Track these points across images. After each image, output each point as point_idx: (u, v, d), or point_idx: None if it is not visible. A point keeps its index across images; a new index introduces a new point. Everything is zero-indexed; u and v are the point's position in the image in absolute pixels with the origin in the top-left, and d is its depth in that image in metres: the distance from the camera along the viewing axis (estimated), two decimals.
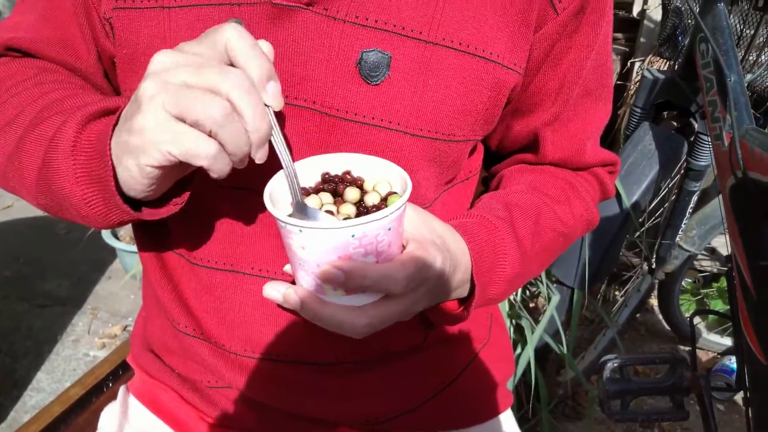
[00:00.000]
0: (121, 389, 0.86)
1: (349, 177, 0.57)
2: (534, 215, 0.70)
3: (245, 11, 0.59)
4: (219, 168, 0.49)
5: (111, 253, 2.65)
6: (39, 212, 2.86)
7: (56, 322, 2.34)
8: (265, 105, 0.49)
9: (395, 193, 0.55)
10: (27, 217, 2.93)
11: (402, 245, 0.55)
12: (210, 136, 0.47)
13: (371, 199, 0.55)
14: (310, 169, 0.58)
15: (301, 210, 0.53)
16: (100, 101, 0.57)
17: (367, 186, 0.57)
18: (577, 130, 0.75)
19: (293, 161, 0.53)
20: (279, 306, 0.68)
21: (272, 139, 0.51)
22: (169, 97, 0.46)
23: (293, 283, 0.56)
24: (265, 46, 0.50)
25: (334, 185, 0.57)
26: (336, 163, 0.59)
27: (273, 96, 0.49)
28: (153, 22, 0.61)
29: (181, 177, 0.56)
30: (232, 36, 0.48)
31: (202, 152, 0.47)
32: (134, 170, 0.50)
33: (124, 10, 0.61)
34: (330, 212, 0.54)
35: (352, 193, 0.56)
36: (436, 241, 0.56)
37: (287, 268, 0.58)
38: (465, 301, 0.65)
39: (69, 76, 0.67)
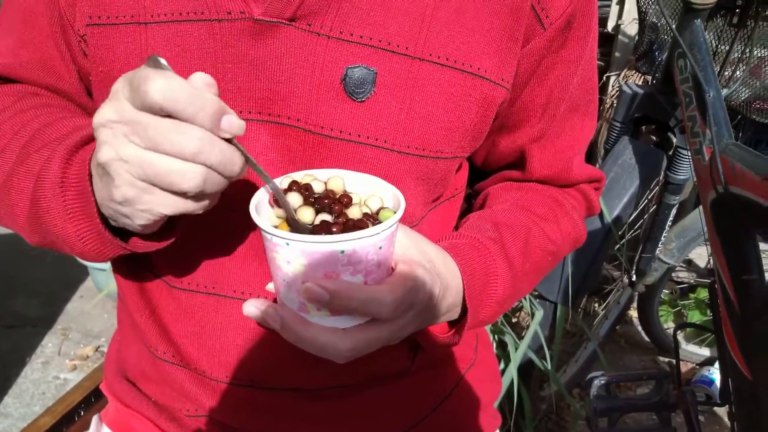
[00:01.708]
0: (94, 419, 0.83)
1: (332, 194, 0.55)
2: (524, 235, 0.69)
3: (226, 27, 0.58)
4: (214, 203, 0.50)
5: (83, 271, 2.58)
6: (7, 229, 2.78)
7: (25, 343, 2.27)
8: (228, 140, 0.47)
9: (388, 208, 0.53)
10: None
11: (391, 267, 0.53)
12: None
13: (360, 215, 0.52)
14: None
15: (293, 225, 0.51)
16: (81, 128, 0.55)
17: (355, 201, 0.54)
18: (563, 146, 0.74)
19: (274, 179, 0.52)
20: (261, 330, 0.66)
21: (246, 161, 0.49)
22: (135, 168, 0.45)
23: (276, 302, 0.53)
24: (198, 78, 0.46)
25: (322, 206, 0.55)
26: (325, 178, 0.56)
27: (231, 130, 0.46)
28: (129, 39, 0.59)
29: None
30: (159, 93, 0.43)
31: (196, 208, 0.48)
32: (134, 227, 0.51)
33: (98, 26, 0.59)
34: (324, 222, 0.51)
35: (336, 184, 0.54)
36: (425, 264, 0.55)
37: (270, 286, 0.55)
38: (455, 324, 0.64)
39: (50, 98, 0.65)
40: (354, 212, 0.52)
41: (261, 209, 0.52)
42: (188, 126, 0.44)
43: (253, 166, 0.50)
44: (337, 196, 0.53)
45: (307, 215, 0.52)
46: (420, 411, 0.78)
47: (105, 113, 0.45)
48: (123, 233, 0.54)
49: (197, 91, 0.44)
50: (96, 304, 2.47)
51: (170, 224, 0.56)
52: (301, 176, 0.56)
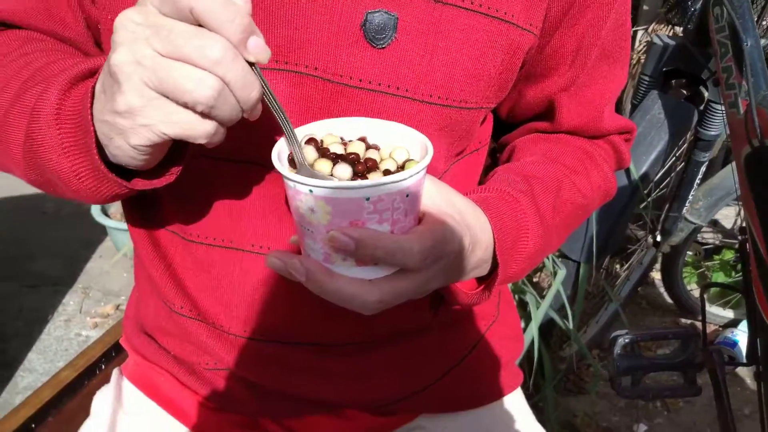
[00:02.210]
0: (115, 372, 0.83)
1: (365, 144, 0.53)
2: (555, 188, 0.66)
3: None
4: (216, 140, 0.46)
5: (101, 231, 2.60)
6: (25, 191, 2.81)
7: (47, 302, 2.30)
8: (251, 63, 0.44)
9: (413, 160, 0.51)
10: (13, 196, 2.87)
11: (419, 218, 0.51)
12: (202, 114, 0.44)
13: (386, 167, 0.51)
14: (322, 134, 0.54)
15: (303, 171, 0.49)
16: (81, 62, 0.52)
17: (383, 153, 0.53)
18: (594, 95, 0.71)
19: (293, 126, 0.49)
20: (280, 285, 0.65)
21: (265, 97, 0.46)
22: (148, 72, 0.42)
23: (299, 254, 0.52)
24: None
25: (348, 161, 0.52)
26: (350, 127, 0.55)
27: (257, 52, 0.43)
28: None
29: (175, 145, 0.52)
30: None
31: (200, 133, 0.44)
32: (126, 149, 0.46)
33: None
34: (335, 155, 0.50)
35: (359, 146, 0.52)
36: (455, 215, 0.53)
37: (294, 239, 0.54)
38: (484, 280, 0.62)
39: (56, 44, 0.63)
40: (382, 165, 0.51)
41: (282, 158, 0.50)
42: (214, 34, 0.41)
43: (273, 105, 0.47)
44: (361, 159, 0.51)
45: (324, 168, 0.50)
46: (441, 367, 0.78)
47: (128, 14, 0.42)
48: (122, 173, 0.52)
49: (230, 3, 0.41)
50: (115, 263, 2.49)
51: (166, 163, 0.53)
52: (322, 131, 0.54)
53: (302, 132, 0.53)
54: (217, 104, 0.42)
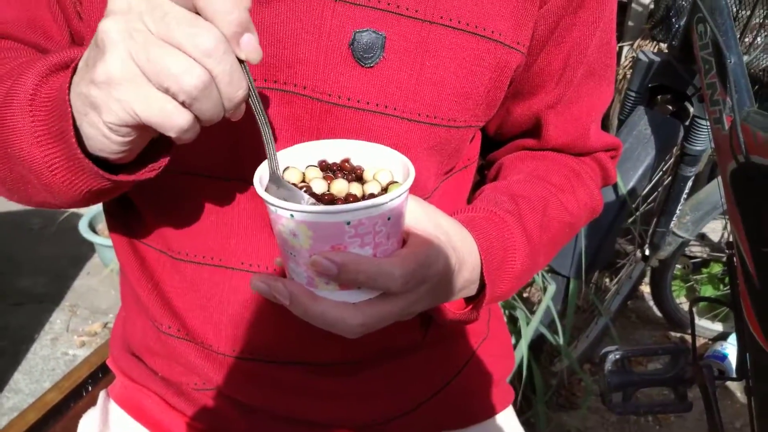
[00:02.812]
0: (101, 394, 0.82)
1: (348, 165, 0.53)
2: (541, 207, 0.67)
3: None
4: (187, 138, 0.44)
5: (89, 248, 2.58)
6: (11, 207, 2.78)
7: (33, 320, 2.27)
8: (241, 61, 0.43)
9: (397, 182, 0.51)
10: None
11: (403, 240, 0.51)
12: (182, 104, 0.42)
13: (370, 189, 0.50)
14: (306, 156, 0.54)
15: (276, 182, 0.49)
16: (63, 52, 0.50)
17: (366, 175, 0.52)
18: (580, 112, 0.72)
19: (275, 145, 0.49)
20: (269, 303, 0.64)
21: (250, 99, 0.46)
22: (136, 46, 0.40)
23: (284, 276, 0.51)
24: None
25: (331, 174, 0.52)
26: (334, 149, 0.54)
27: (249, 50, 0.42)
28: None
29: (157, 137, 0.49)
30: None
31: (175, 124, 0.42)
32: (100, 127, 0.43)
33: None
34: (313, 194, 0.49)
35: (342, 184, 0.51)
36: (440, 236, 0.53)
37: (279, 261, 0.54)
38: (472, 300, 0.61)
39: (33, 54, 0.61)
40: (365, 187, 0.51)
41: (264, 182, 0.50)
42: (208, 24, 0.40)
43: (256, 108, 0.46)
44: (343, 196, 0.50)
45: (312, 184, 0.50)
46: (432, 386, 0.77)
47: None
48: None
49: None
50: (103, 280, 2.47)
51: (149, 161, 0.51)
52: (305, 154, 0.53)
53: (285, 155, 0.53)
54: (200, 97, 0.41)
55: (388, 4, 0.56)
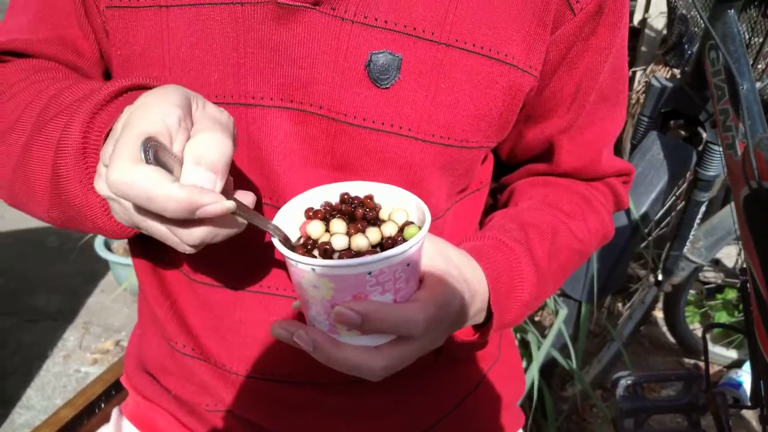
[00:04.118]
0: (114, 411, 0.82)
1: (369, 201, 0.54)
2: (550, 235, 0.67)
3: (248, 11, 0.56)
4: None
5: (104, 266, 2.60)
6: (29, 225, 2.82)
7: (46, 337, 2.29)
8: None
9: (412, 223, 0.52)
10: (16, 230, 2.88)
11: (419, 279, 0.52)
12: None
13: (388, 230, 0.51)
14: (325, 196, 0.55)
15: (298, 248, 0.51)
16: (97, 90, 0.53)
17: (383, 214, 0.53)
18: (593, 137, 0.72)
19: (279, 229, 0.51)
20: None
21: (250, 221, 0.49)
22: (125, 215, 0.47)
23: (301, 319, 0.53)
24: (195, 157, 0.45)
25: (352, 207, 0.53)
26: (351, 189, 0.56)
27: (208, 214, 0.43)
28: (150, 23, 0.58)
29: None
30: (117, 187, 0.42)
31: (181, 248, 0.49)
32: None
33: (118, 9, 0.58)
34: (326, 248, 0.49)
35: (362, 240, 0.52)
36: (453, 272, 0.54)
37: (296, 304, 0.55)
38: (481, 327, 0.62)
39: (66, 72, 0.64)
40: (383, 228, 0.51)
41: (283, 228, 0.51)
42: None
43: (252, 222, 0.49)
44: (369, 206, 0.53)
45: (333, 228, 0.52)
46: (442, 408, 0.77)
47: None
48: None
49: (162, 193, 0.41)
50: (116, 298, 2.48)
51: None
52: (319, 198, 0.55)
53: (300, 202, 0.54)
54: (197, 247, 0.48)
55: (405, 27, 0.57)
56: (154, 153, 0.41)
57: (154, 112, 0.44)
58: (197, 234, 0.46)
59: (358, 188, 0.55)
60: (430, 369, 0.73)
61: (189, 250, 0.48)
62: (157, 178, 0.41)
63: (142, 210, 0.44)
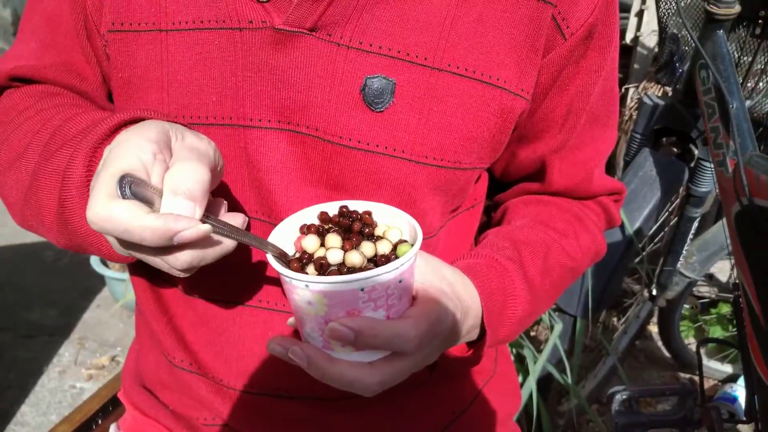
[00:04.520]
0: (112, 427, 0.83)
1: (368, 217, 0.55)
2: (543, 253, 0.68)
3: (247, 36, 0.58)
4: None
5: (100, 281, 2.59)
6: (25, 239, 2.81)
7: (42, 353, 2.28)
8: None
9: (405, 241, 0.53)
10: (12, 245, 2.87)
11: (412, 296, 0.53)
12: None
13: (382, 248, 0.52)
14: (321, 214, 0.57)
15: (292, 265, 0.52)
16: (100, 122, 0.54)
17: (377, 232, 0.55)
18: (584, 157, 0.73)
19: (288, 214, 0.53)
20: None
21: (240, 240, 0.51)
22: (118, 246, 0.49)
23: (298, 336, 0.53)
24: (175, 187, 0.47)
25: (350, 221, 0.55)
26: (348, 207, 0.57)
27: (184, 240, 0.45)
28: (149, 46, 0.59)
29: None
30: (98, 223, 0.45)
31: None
32: None
33: (119, 33, 0.60)
34: (321, 263, 0.51)
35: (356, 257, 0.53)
36: (446, 289, 0.55)
37: (291, 321, 0.56)
38: (474, 344, 0.63)
39: (72, 97, 0.66)
40: (377, 248, 0.52)
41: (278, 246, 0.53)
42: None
43: (242, 241, 0.51)
44: (367, 222, 0.54)
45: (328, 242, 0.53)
46: (439, 423, 0.77)
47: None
48: None
49: (138, 224, 0.44)
50: (112, 313, 2.48)
51: None
52: (314, 218, 0.56)
53: (296, 219, 0.55)
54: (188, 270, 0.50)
55: (398, 52, 0.59)
56: (132, 188, 0.44)
57: (129, 149, 0.47)
58: (183, 258, 0.47)
59: (353, 207, 0.56)
60: (425, 384, 0.74)
61: (181, 275, 0.49)
62: (132, 211, 0.43)
63: (124, 242, 0.46)
